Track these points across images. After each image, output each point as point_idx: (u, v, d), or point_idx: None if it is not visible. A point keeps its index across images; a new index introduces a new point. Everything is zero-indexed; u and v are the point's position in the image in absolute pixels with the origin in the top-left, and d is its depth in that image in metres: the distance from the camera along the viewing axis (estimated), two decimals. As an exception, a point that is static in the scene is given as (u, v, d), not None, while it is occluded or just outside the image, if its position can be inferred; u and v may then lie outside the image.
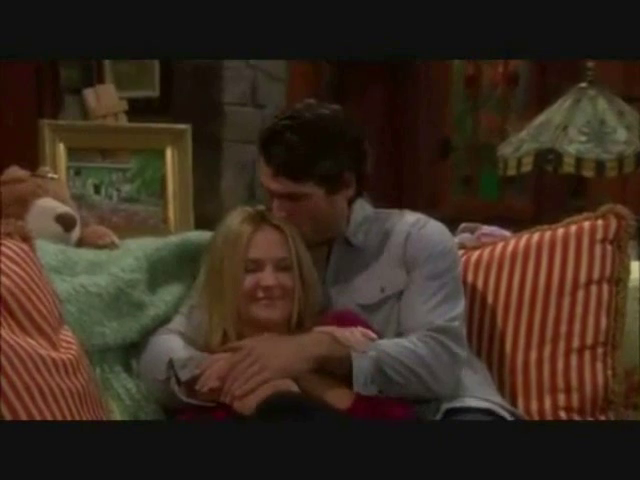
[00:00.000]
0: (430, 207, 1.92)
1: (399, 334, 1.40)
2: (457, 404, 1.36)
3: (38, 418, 1.19)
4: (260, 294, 1.37)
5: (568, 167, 2.23)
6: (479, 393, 1.40)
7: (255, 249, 1.37)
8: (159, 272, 1.50)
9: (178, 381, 1.34)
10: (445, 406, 1.35)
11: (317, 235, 1.44)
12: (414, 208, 1.54)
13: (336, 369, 1.32)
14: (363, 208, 1.48)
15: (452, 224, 1.65)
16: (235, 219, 1.40)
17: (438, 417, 1.34)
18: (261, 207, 1.45)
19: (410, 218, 1.46)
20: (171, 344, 1.40)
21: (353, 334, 1.33)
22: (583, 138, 2.23)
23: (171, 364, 1.34)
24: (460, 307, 1.42)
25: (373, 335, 1.34)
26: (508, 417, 1.37)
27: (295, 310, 1.38)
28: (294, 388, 1.29)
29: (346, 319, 1.39)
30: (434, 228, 1.46)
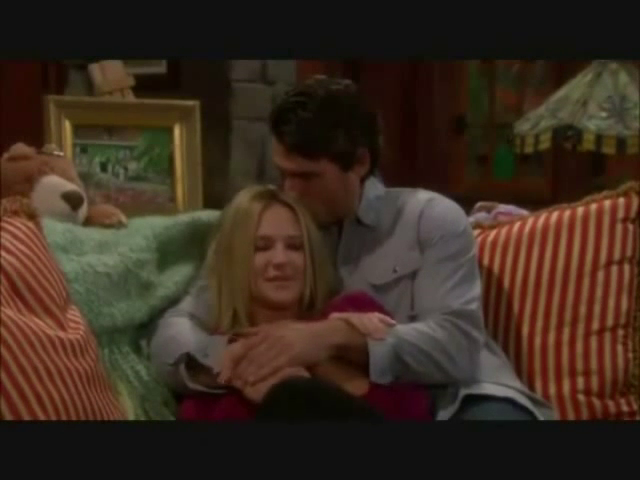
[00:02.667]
0: (444, 186, 1.88)
1: (414, 317, 1.38)
2: (476, 391, 1.33)
3: (45, 399, 1.18)
4: (271, 272, 1.34)
5: (588, 144, 2.18)
6: (498, 378, 1.37)
7: (265, 226, 1.35)
8: (168, 252, 1.48)
9: (187, 367, 1.31)
10: (463, 392, 1.33)
11: (329, 215, 1.41)
12: (427, 186, 1.52)
13: (353, 357, 1.30)
14: (375, 187, 1.45)
15: (466, 203, 1.61)
16: (244, 197, 1.38)
17: (456, 404, 1.32)
18: (272, 187, 1.42)
19: (423, 197, 1.43)
20: (181, 327, 1.38)
21: (370, 320, 1.30)
22: (604, 114, 2.18)
23: (187, 355, 1.31)
24: (477, 289, 1.39)
25: (391, 321, 1.32)
26: (528, 404, 1.34)
27: (307, 290, 1.36)
28: (306, 375, 1.27)
29: (359, 301, 1.37)
30: (448, 207, 1.43)
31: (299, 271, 1.35)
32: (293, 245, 1.35)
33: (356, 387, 1.27)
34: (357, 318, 1.30)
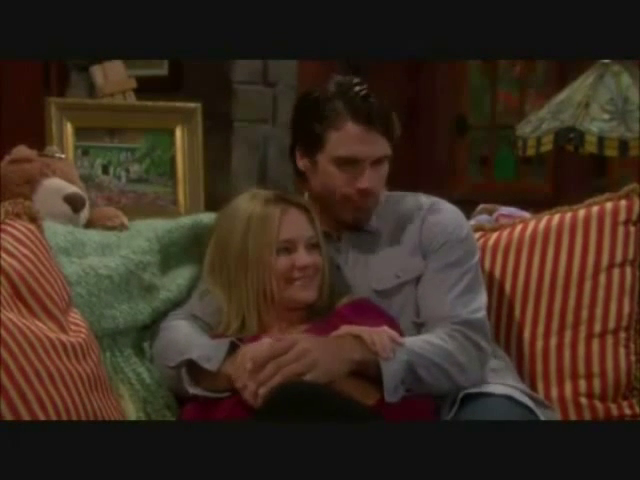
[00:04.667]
0: (445, 187, 1.88)
1: (421, 324, 1.37)
2: (476, 389, 1.33)
3: (47, 403, 1.18)
4: (296, 274, 1.35)
5: (590, 146, 2.17)
6: (501, 380, 1.37)
7: (286, 230, 1.36)
8: (171, 254, 1.48)
9: (188, 370, 1.31)
10: (463, 391, 1.33)
11: (377, 203, 1.40)
12: (429, 188, 1.52)
13: (366, 371, 1.28)
14: None
15: (468, 205, 1.61)
16: (256, 203, 1.37)
17: (456, 404, 1.31)
18: (276, 191, 1.41)
19: (424, 202, 1.43)
20: (182, 330, 1.38)
21: (380, 337, 1.29)
22: (606, 116, 2.17)
23: (190, 361, 1.31)
24: (483, 297, 1.40)
25: (400, 339, 1.30)
26: (527, 401, 1.34)
27: (324, 289, 1.37)
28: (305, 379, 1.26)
29: (365, 309, 1.37)
30: (450, 213, 1.43)
31: (319, 270, 1.36)
32: (312, 245, 1.36)
33: (366, 396, 1.26)
34: (368, 335, 1.29)
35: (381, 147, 1.37)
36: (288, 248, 1.35)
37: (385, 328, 1.31)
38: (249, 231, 1.36)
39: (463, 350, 1.32)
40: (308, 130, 1.39)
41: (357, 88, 1.37)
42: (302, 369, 1.25)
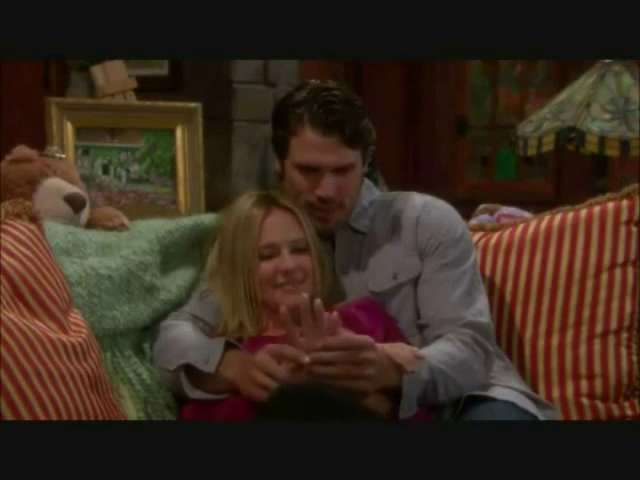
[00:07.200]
0: (445, 187, 1.88)
1: (423, 326, 1.36)
2: (480, 392, 1.33)
3: (48, 403, 1.18)
4: (280, 279, 1.34)
5: (591, 146, 2.17)
6: (503, 380, 1.37)
7: (268, 234, 1.34)
8: (171, 255, 1.48)
9: (187, 374, 1.31)
10: (467, 392, 1.32)
11: (347, 212, 1.39)
12: (429, 188, 1.52)
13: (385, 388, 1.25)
14: (370, 192, 1.44)
15: (468, 205, 1.61)
16: (245, 204, 1.37)
17: (460, 406, 1.31)
18: (271, 191, 1.41)
19: (418, 201, 1.42)
20: (182, 331, 1.38)
21: (403, 350, 1.26)
22: (607, 116, 2.17)
23: (188, 365, 1.30)
24: (484, 297, 1.39)
25: (421, 353, 1.28)
26: (530, 407, 1.34)
27: (319, 292, 1.34)
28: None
29: (370, 309, 1.36)
30: (443, 212, 1.41)
31: (308, 273, 1.34)
32: (298, 249, 1.34)
33: (375, 403, 1.23)
34: (394, 350, 1.24)
35: (342, 156, 1.34)
36: (271, 253, 1.33)
37: (401, 344, 1.28)
38: (236, 234, 1.35)
39: (476, 357, 1.31)
40: (276, 134, 1.39)
41: (324, 94, 1.34)
42: (358, 375, 1.20)
